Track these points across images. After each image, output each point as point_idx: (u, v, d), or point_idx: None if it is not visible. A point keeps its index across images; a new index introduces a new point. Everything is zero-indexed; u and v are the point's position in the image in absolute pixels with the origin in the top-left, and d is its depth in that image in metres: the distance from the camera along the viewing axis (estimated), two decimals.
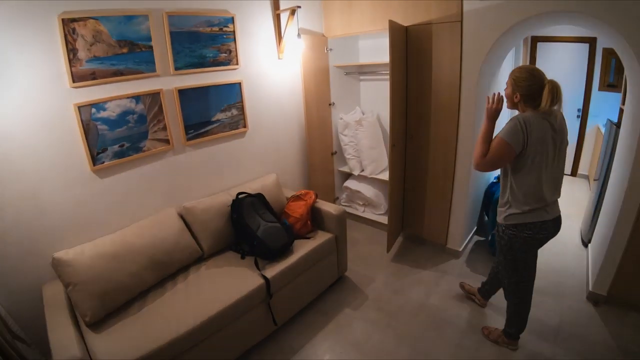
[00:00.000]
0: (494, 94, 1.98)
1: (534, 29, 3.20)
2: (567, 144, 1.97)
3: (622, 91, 3.27)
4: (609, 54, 4.75)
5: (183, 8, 2.69)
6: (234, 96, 3.13)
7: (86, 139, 2.35)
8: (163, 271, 2.47)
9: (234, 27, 3.00)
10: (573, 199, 4.65)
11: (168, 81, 2.70)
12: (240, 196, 2.84)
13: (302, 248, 2.78)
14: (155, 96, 2.64)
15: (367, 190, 4.04)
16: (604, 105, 4.90)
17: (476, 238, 3.81)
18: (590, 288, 2.81)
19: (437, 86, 3.08)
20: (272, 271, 2.53)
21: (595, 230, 3.22)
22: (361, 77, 4.21)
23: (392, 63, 2.88)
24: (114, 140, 2.49)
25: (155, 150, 2.72)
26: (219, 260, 2.72)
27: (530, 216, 1.98)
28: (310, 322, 2.85)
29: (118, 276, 2.21)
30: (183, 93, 2.79)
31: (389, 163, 3.16)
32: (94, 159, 2.43)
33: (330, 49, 3.79)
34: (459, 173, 3.21)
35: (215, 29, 2.91)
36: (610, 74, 4.82)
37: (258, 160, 3.49)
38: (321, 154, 3.98)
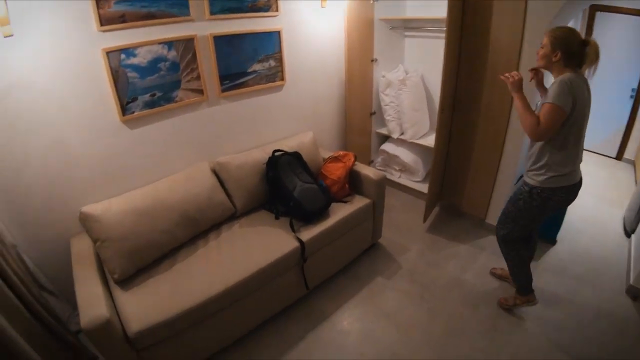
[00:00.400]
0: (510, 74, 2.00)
1: None
2: None
3: None
4: None
5: None
6: (272, 46, 2.90)
7: (115, 87, 2.21)
8: (195, 228, 2.38)
9: None
10: (617, 184, 4.30)
11: (203, 27, 2.49)
12: (276, 154, 2.69)
13: (339, 212, 2.63)
14: (188, 42, 2.45)
15: (405, 155, 3.82)
16: None
17: None
18: (630, 281, 2.61)
19: (494, 49, 2.76)
20: (307, 234, 2.41)
21: None
22: (406, 33, 3.87)
23: (450, 19, 2.58)
24: (144, 89, 2.34)
25: (188, 101, 2.56)
26: (252, 219, 2.61)
27: (567, 179, 1.98)
28: (342, 287, 2.77)
29: (148, 233, 2.13)
30: (218, 40, 2.58)
31: (437, 129, 2.91)
32: (124, 109, 2.29)
33: (376, 0, 3.47)
34: (509, 145, 2.94)
35: None
36: None
37: (295, 116, 3.30)
38: (359, 113, 3.76)
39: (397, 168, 4.00)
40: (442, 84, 2.78)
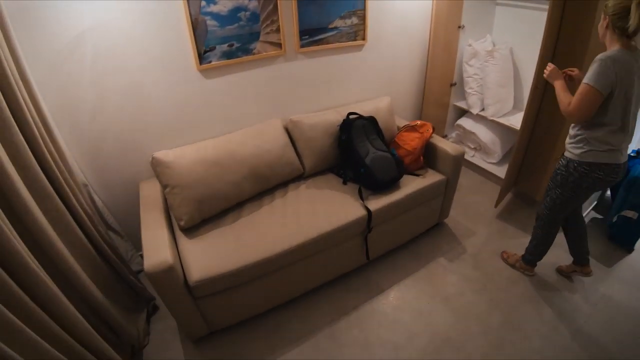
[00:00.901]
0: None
1: None
2: None
3: None
4: None
5: None
6: (356, 2, 2.72)
7: (194, 34, 2.16)
8: (263, 184, 2.35)
9: None
10: None
11: None
12: (351, 117, 2.56)
13: (410, 185, 2.49)
14: None
15: (483, 133, 3.54)
16: None
17: (592, 215, 3.22)
18: None
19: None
20: (375, 204, 2.31)
21: None
22: (499, 1, 3.50)
23: None
24: (223, 39, 2.28)
25: (266, 55, 2.48)
26: (320, 181, 2.54)
27: (607, 156, 1.85)
28: (402, 263, 2.67)
29: (217, 183, 2.12)
30: None
31: (526, 108, 2.63)
32: (201, 58, 2.25)
33: None
34: None
35: None
36: None
37: (372, 79, 3.14)
38: (439, 83, 3.51)
39: (472, 146, 3.74)
40: (538, 59, 2.47)
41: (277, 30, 2.45)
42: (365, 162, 2.37)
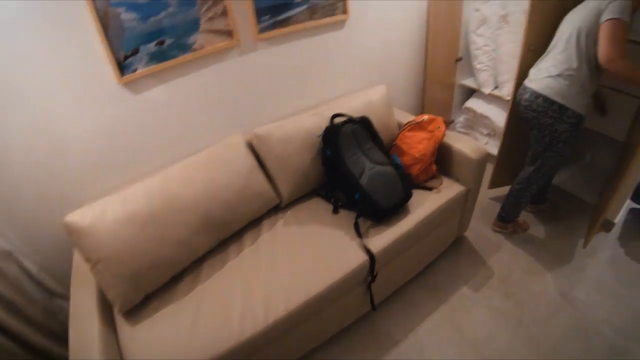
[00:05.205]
0: None
1: None
2: None
3: None
4: None
5: None
6: None
7: (106, 36, 1.53)
8: (223, 232, 1.74)
9: None
10: None
11: None
12: (336, 121, 1.93)
13: (422, 206, 1.89)
14: None
15: (498, 116, 2.92)
16: None
17: (630, 205, 2.67)
18: None
19: None
20: (378, 241, 1.72)
21: None
22: None
23: None
24: (148, 35, 1.64)
25: (212, 49, 1.83)
26: (303, 211, 1.94)
27: None
28: (416, 302, 2.10)
29: (156, 247, 1.50)
30: None
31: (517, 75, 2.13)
32: (122, 66, 1.62)
33: None
34: None
35: None
36: None
37: (360, 64, 2.48)
38: (443, 59, 2.87)
39: (485, 132, 3.12)
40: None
41: (224, 12, 1.80)
42: (360, 184, 1.75)
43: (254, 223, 1.87)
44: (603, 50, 1.62)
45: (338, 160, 1.80)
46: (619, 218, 2.50)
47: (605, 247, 2.35)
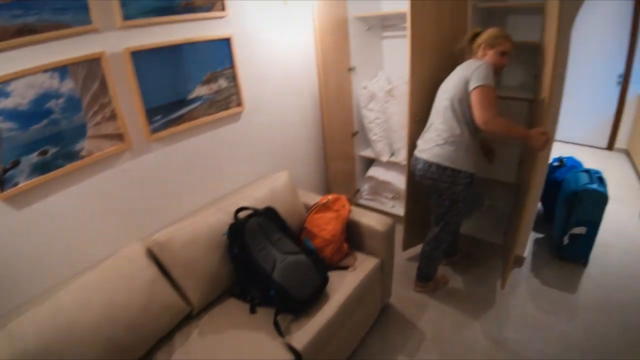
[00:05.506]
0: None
1: None
2: None
3: None
4: None
5: None
6: (221, 59, 2.10)
7: None
8: (131, 355, 1.52)
9: None
10: (617, 178, 3.94)
11: (114, 39, 1.66)
12: (240, 215, 1.87)
13: (341, 288, 1.86)
14: (93, 65, 1.61)
15: (399, 180, 3.10)
16: None
17: (533, 236, 2.98)
18: None
19: None
20: (303, 336, 1.62)
21: None
22: (384, 34, 3.19)
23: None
24: (30, 146, 1.49)
25: (102, 154, 1.70)
26: (218, 316, 1.78)
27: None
28: None
29: None
30: (140, 57, 1.75)
31: (408, 143, 2.35)
32: (1, 181, 1.43)
33: None
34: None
35: None
36: None
37: (260, 152, 2.48)
38: (340, 135, 3.02)
39: (390, 196, 3.28)
40: (410, 85, 2.11)
41: (113, 116, 1.71)
42: (273, 279, 1.68)
43: (165, 339, 1.66)
44: (478, 115, 1.83)
45: (247, 257, 1.72)
46: (527, 251, 2.73)
47: (521, 281, 2.53)
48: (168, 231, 1.74)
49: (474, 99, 1.84)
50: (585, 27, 4.25)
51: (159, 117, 1.89)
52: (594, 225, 2.50)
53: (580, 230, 2.52)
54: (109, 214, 1.79)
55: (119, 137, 1.76)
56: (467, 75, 1.88)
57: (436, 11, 2.20)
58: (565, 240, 2.60)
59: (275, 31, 2.38)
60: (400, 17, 2.81)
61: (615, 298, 2.37)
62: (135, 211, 1.88)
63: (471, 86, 1.85)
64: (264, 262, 1.72)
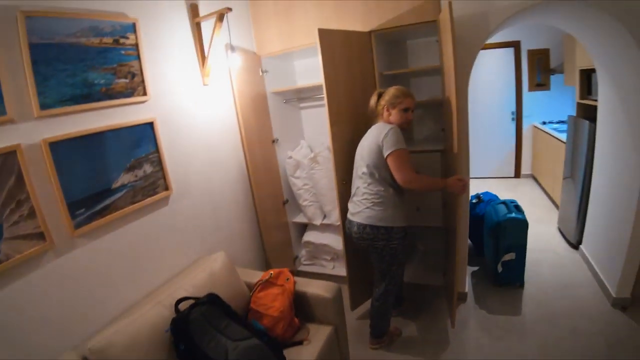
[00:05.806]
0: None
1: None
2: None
3: (579, 86, 3.41)
4: (534, 55, 5.16)
5: (52, 7, 1.61)
6: (145, 144, 2.04)
7: None
8: None
9: (136, 38, 1.95)
10: (530, 200, 4.58)
11: (31, 130, 1.56)
12: (181, 307, 1.74)
13: None
14: (8, 159, 1.48)
15: (335, 241, 3.15)
16: (534, 105, 5.34)
17: (469, 269, 3.20)
18: (614, 294, 2.53)
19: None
20: None
21: (587, 230, 3.06)
22: (301, 105, 3.39)
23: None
24: None
25: (21, 257, 1.50)
26: None
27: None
28: None
29: None
30: (59, 148, 1.65)
31: (339, 204, 2.48)
32: None
33: (266, 71, 2.92)
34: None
35: (108, 40, 1.83)
36: (537, 74, 5.22)
37: (193, 234, 2.37)
38: (271, 206, 3.02)
39: (329, 258, 3.30)
40: (332, 146, 2.26)
41: (32, 213, 1.55)
42: None
43: None
44: (398, 177, 1.99)
45: (195, 352, 1.58)
46: (467, 286, 2.89)
47: (468, 316, 2.63)
48: (104, 335, 1.55)
49: (391, 164, 2.01)
50: (478, 74, 4.98)
51: (82, 210, 1.74)
52: (521, 249, 2.77)
53: (510, 256, 2.76)
54: (35, 325, 1.54)
55: (39, 236, 1.58)
56: (378, 143, 2.04)
57: (348, 80, 2.43)
58: (499, 268, 2.82)
59: (196, 110, 2.40)
60: (315, 89, 3.03)
61: (557, 308, 2.60)
62: (64, 319, 1.64)
63: (385, 153, 2.01)
64: (214, 354, 1.59)
